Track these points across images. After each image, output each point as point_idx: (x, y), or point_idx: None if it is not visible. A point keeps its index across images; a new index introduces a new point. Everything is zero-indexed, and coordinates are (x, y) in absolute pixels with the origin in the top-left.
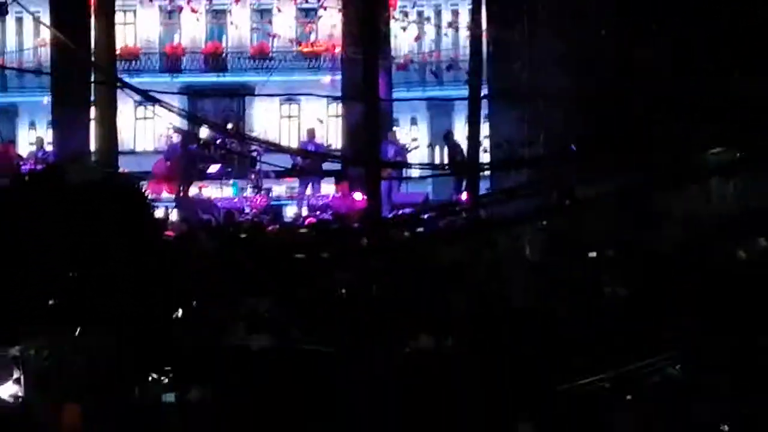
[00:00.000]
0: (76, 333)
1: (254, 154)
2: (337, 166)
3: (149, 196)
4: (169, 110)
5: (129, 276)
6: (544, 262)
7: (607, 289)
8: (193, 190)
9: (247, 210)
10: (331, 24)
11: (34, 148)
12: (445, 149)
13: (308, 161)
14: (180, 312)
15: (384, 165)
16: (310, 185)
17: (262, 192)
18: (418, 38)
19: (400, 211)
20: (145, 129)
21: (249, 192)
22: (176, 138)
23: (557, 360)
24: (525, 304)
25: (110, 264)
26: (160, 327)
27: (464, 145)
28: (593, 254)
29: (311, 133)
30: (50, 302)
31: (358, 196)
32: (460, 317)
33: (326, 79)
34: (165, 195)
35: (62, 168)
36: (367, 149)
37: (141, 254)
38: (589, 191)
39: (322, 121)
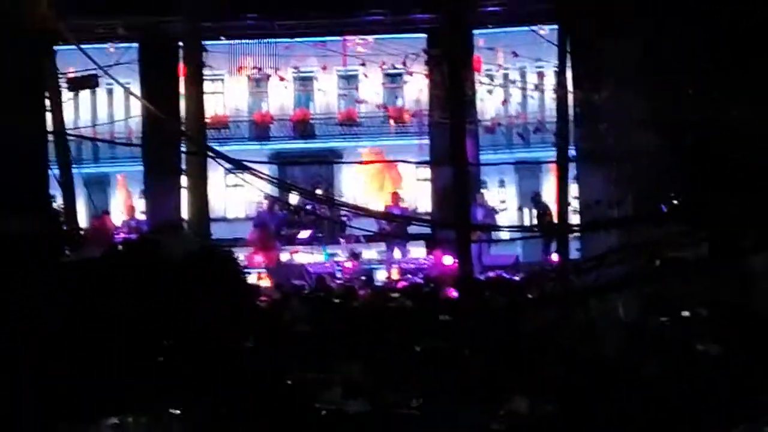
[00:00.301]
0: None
1: (344, 218)
2: (425, 230)
3: (242, 263)
4: (259, 177)
5: (225, 343)
6: (638, 322)
7: (701, 347)
8: (285, 256)
9: (338, 275)
10: (417, 88)
11: (125, 216)
12: (533, 211)
13: (395, 225)
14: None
15: (474, 228)
16: (396, 249)
17: (353, 256)
18: (505, 102)
19: (491, 273)
20: (236, 196)
21: (340, 257)
22: (266, 205)
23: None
24: (620, 365)
25: (206, 332)
26: (256, 392)
27: (552, 206)
28: (686, 313)
29: (396, 197)
30: (147, 370)
31: (448, 259)
32: (554, 379)
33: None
34: (258, 260)
35: (158, 239)
36: (457, 212)
37: (236, 321)
38: (681, 251)
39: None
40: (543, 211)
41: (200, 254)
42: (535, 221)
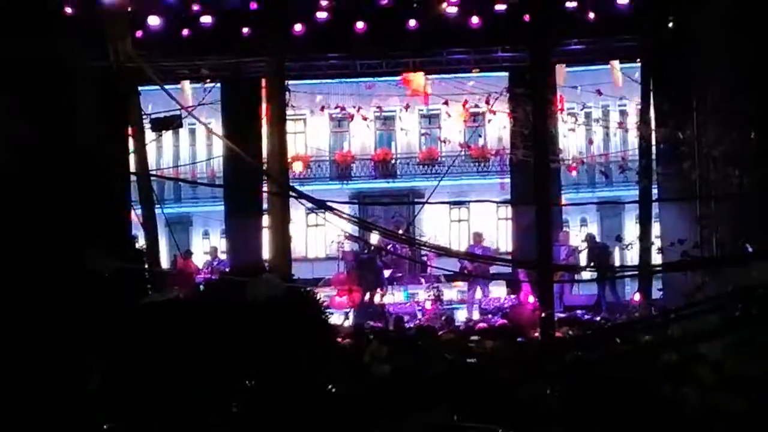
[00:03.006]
0: None
1: (425, 258)
2: (506, 269)
3: (324, 303)
4: (341, 217)
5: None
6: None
7: None
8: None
9: (419, 315)
10: (500, 127)
11: (208, 257)
12: (584, 250)
13: (476, 264)
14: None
15: (556, 268)
16: (478, 288)
17: (433, 296)
18: (591, 142)
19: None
20: (317, 236)
21: (420, 297)
22: (348, 246)
23: None
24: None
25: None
26: None
27: (636, 245)
28: None
29: (478, 237)
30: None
31: (530, 298)
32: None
33: (492, 181)
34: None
35: (242, 281)
36: (538, 251)
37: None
38: None
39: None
40: (598, 251)
41: (284, 297)
42: (616, 261)
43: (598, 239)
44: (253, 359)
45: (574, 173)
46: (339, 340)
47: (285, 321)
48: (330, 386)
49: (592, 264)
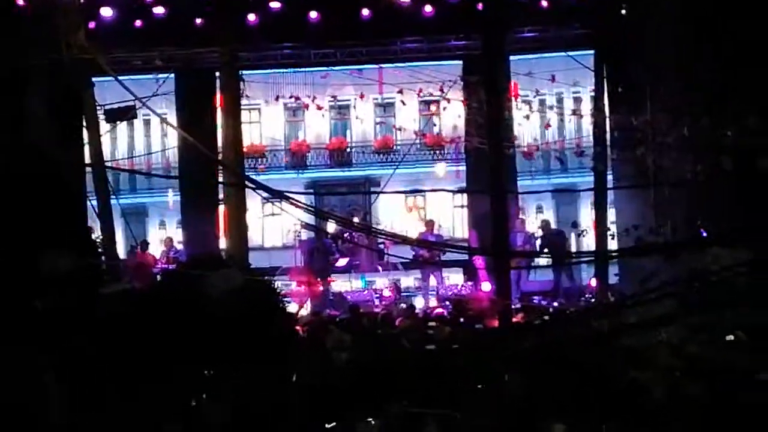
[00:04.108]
0: None
1: (381, 246)
2: (464, 257)
3: (282, 293)
4: (297, 206)
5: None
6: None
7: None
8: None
9: (377, 302)
10: (455, 115)
11: (164, 247)
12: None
13: (432, 252)
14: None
15: (512, 255)
16: (431, 276)
17: (391, 284)
18: (548, 126)
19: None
20: (273, 225)
21: (378, 284)
22: (305, 234)
23: None
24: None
25: (245, 361)
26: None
27: (592, 231)
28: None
29: (430, 225)
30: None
31: (486, 285)
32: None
33: (448, 169)
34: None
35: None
36: (495, 239)
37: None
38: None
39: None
40: (557, 237)
41: (243, 289)
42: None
43: (554, 226)
44: (211, 351)
45: (529, 159)
46: (298, 328)
47: (244, 313)
48: (293, 377)
49: (547, 250)
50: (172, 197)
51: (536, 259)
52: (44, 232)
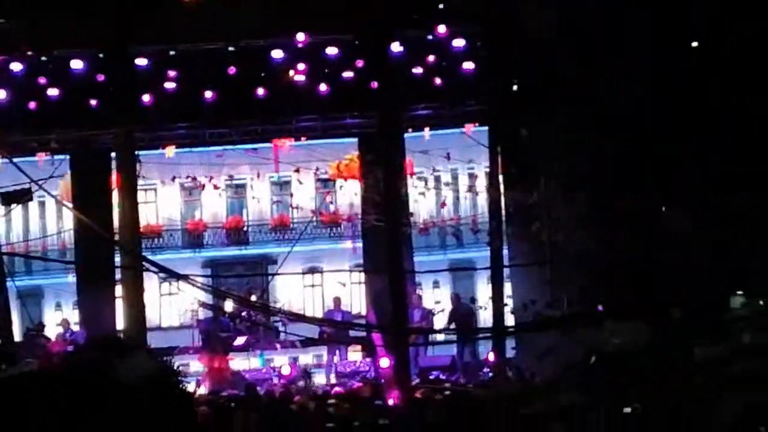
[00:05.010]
0: None
1: (279, 324)
2: (363, 334)
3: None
4: (194, 285)
5: None
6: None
7: None
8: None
9: (275, 380)
10: (351, 192)
11: (60, 329)
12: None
13: (334, 330)
14: None
15: (410, 332)
16: (336, 353)
17: (290, 362)
18: (444, 205)
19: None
20: (171, 304)
21: (277, 362)
22: (202, 313)
23: None
24: None
25: None
26: None
27: (489, 305)
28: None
29: (337, 301)
30: None
31: (385, 361)
32: None
33: (348, 245)
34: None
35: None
36: (393, 316)
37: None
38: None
39: (344, 284)
40: (462, 311)
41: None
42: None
43: (449, 301)
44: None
45: (425, 235)
46: (197, 410)
47: (151, 396)
48: None
49: (454, 324)
50: (71, 278)
51: (433, 336)
52: None
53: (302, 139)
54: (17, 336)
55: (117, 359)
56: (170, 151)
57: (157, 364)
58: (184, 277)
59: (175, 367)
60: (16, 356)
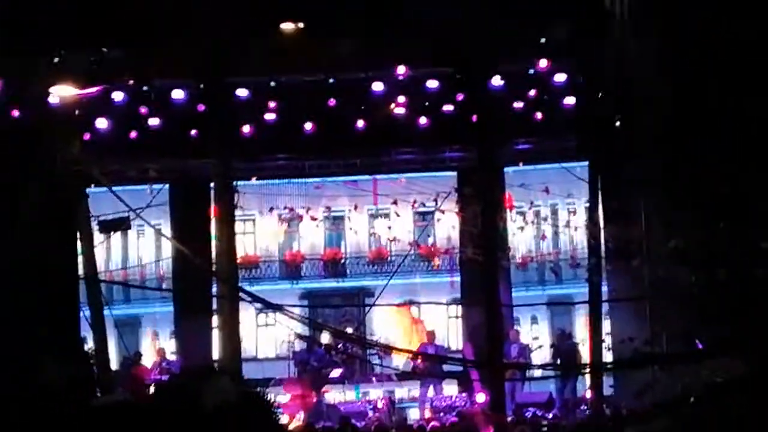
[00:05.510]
0: None
1: (374, 357)
2: (459, 368)
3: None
4: (290, 316)
5: None
6: None
7: None
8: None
9: (370, 413)
10: (449, 225)
11: (157, 358)
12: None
13: (428, 364)
14: None
15: (506, 367)
16: (430, 386)
17: (385, 395)
18: (544, 237)
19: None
20: (267, 335)
21: (372, 395)
22: (299, 345)
23: None
24: None
25: None
26: None
27: (587, 342)
28: None
29: (431, 336)
30: None
31: (481, 397)
32: None
33: (442, 280)
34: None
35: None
36: (490, 350)
37: None
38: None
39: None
40: (570, 348)
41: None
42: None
43: (548, 337)
44: None
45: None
46: None
47: (237, 425)
48: None
49: (558, 360)
50: (169, 308)
51: (531, 371)
52: (39, 341)
53: (401, 173)
54: (114, 365)
55: (199, 385)
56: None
57: (240, 389)
58: (280, 308)
59: (270, 399)
60: (112, 385)
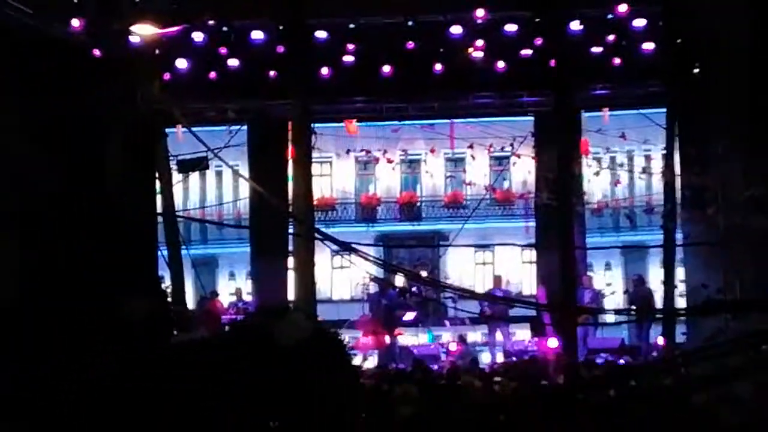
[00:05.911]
0: None
1: (449, 301)
2: (531, 312)
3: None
4: (366, 259)
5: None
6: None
7: None
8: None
9: (443, 357)
10: (525, 170)
11: (233, 298)
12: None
13: (497, 307)
14: None
15: (579, 311)
16: (498, 331)
17: (458, 339)
18: (617, 183)
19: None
20: (342, 278)
21: (444, 338)
22: (373, 288)
23: None
24: None
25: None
26: None
27: (660, 289)
28: None
29: (498, 280)
30: None
31: (553, 342)
32: None
33: (517, 225)
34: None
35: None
36: (563, 295)
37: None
38: None
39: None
40: (645, 294)
41: (311, 339)
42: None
43: (623, 284)
44: (279, 401)
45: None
46: (364, 382)
47: (312, 363)
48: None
49: (634, 306)
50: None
51: (603, 316)
52: (118, 280)
53: (478, 117)
54: (191, 303)
55: (272, 321)
56: (352, 127)
57: (314, 325)
58: (355, 250)
59: (342, 339)
60: (189, 323)
